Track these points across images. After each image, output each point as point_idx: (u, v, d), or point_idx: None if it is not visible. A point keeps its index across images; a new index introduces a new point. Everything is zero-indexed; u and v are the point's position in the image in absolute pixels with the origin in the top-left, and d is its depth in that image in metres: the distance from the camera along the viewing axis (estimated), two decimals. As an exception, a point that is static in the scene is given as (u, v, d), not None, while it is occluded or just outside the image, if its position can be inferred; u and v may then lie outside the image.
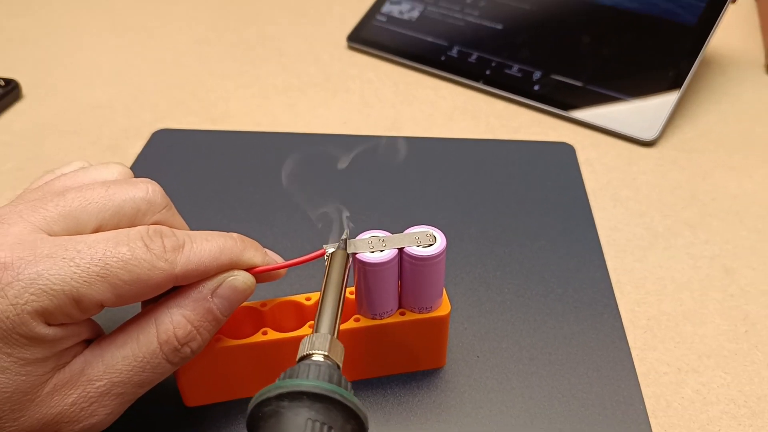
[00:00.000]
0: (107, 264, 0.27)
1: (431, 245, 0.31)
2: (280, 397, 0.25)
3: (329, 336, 0.28)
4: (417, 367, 0.36)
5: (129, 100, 0.57)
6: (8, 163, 0.51)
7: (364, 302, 0.32)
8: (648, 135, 0.52)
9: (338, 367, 0.27)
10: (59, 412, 0.27)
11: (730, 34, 0.65)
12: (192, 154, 0.51)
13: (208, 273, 0.29)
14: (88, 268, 0.26)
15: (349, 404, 0.25)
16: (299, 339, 0.32)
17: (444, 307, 0.33)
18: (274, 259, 0.32)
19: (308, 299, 0.33)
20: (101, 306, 0.27)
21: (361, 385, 0.35)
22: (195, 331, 0.29)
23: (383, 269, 0.31)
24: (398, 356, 0.35)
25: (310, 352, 0.27)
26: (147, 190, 0.31)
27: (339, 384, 0.25)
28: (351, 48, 0.64)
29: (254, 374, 0.34)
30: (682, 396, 0.35)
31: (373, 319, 0.33)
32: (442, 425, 0.34)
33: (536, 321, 0.39)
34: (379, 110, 0.56)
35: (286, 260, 0.32)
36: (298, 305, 0.33)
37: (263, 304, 0.33)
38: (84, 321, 0.28)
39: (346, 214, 0.36)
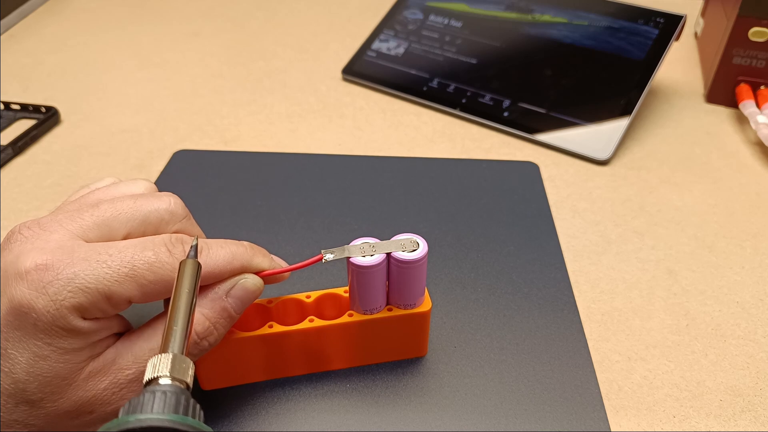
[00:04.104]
0: (135, 266, 0.27)
1: (415, 250, 0.31)
2: None
3: (175, 355, 0.24)
4: (402, 356, 0.36)
5: (153, 125, 0.57)
6: (48, 179, 0.51)
7: (357, 300, 0.32)
8: (602, 155, 0.52)
9: (188, 386, 0.24)
10: (93, 395, 0.27)
11: (673, 68, 0.66)
12: (207, 171, 0.51)
13: (222, 276, 0.30)
14: (119, 269, 0.27)
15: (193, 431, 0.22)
16: (300, 331, 0.32)
17: (426, 304, 0.33)
18: (279, 263, 0.32)
19: (308, 297, 0.33)
20: (129, 302, 0.27)
21: (353, 372, 0.35)
22: (212, 327, 0.29)
23: (373, 271, 0.31)
24: (386, 346, 0.35)
25: (156, 375, 0.23)
26: (170, 202, 0.31)
27: (187, 410, 0.22)
28: (345, 80, 0.64)
29: (262, 362, 0.34)
30: (631, 381, 0.36)
31: (364, 314, 0.33)
32: (425, 406, 0.34)
33: (505, 316, 0.39)
34: (369, 134, 0.56)
35: (290, 265, 0.32)
36: (299, 302, 0.33)
37: (269, 302, 0.33)
38: (114, 316, 0.28)
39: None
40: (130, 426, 0.21)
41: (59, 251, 0.26)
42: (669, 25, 0.57)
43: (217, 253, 0.29)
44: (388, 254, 0.31)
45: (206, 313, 0.29)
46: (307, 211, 0.46)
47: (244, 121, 0.58)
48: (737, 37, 0.56)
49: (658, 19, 0.58)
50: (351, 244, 0.31)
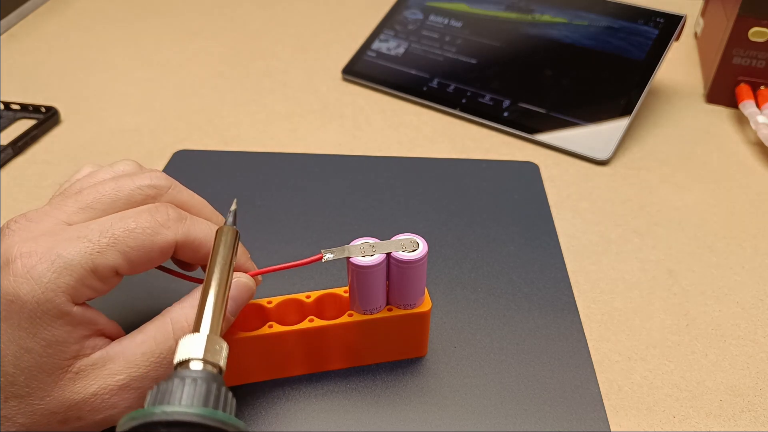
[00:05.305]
0: (114, 234, 0.27)
1: (414, 250, 0.31)
2: (153, 425, 0.21)
3: (208, 336, 0.24)
4: (402, 356, 0.36)
5: (153, 125, 0.57)
6: (48, 179, 0.51)
7: (357, 300, 0.32)
8: (602, 155, 0.52)
9: (220, 370, 0.23)
10: (82, 399, 0.27)
11: (673, 68, 0.65)
12: (207, 171, 0.51)
13: (200, 249, 0.30)
14: (99, 240, 0.27)
15: (222, 427, 0.21)
16: (300, 331, 0.32)
17: (426, 304, 0.33)
18: (252, 267, 0.32)
19: (308, 297, 0.33)
20: (116, 273, 0.27)
21: (353, 372, 0.35)
22: None
23: (373, 271, 0.31)
24: (386, 346, 0.35)
25: (187, 357, 0.23)
26: (150, 177, 0.31)
27: (218, 400, 0.22)
28: (345, 80, 0.64)
29: (262, 362, 0.34)
30: (631, 381, 0.36)
31: (364, 314, 0.33)
32: (425, 406, 0.34)
33: (505, 316, 0.39)
34: (370, 134, 0.56)
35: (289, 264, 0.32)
36: (299, 302, 0.33)
37: (269, 302, 0.33)
38: (106, 321, 0.28)
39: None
40: (156, 419, 0.20)
41: (43, 238, 0.27)
42: (669, 25, 0.57)
43: (200, 225, 0.30)
44: (388, 254, 0.31)
45: None
46: (307, 211, 0.46)
47: (244, 121, 0.58)
48: (737, 37, 0.56)
49: (658, 19, 0.58)
50: (351, 244, 0.31)
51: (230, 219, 0.29)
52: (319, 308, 0.34)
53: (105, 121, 0.58)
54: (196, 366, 0.23)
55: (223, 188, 0.49)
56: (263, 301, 0.33)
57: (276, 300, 0.33)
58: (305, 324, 0.32)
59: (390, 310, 0.33)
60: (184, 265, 0.33)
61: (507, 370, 0.35)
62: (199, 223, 0.30)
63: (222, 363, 0.23)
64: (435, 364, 0.36)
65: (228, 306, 0.29)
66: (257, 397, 0.34)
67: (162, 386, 0.22)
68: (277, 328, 0.32)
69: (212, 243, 0.29)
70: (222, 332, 0.28)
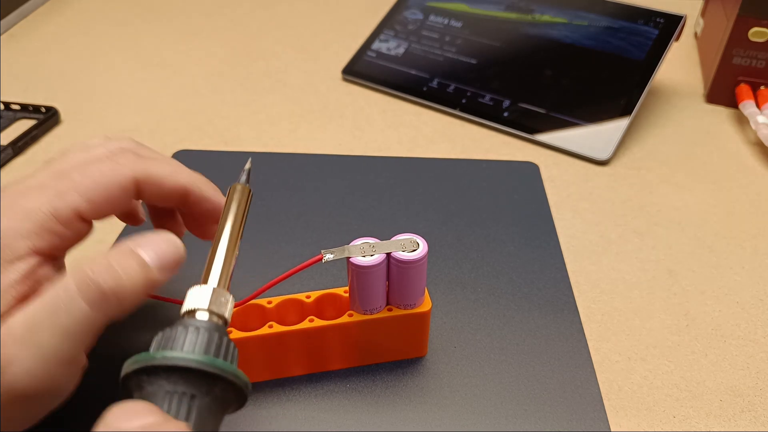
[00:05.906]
0: (72, 177, 0.28)
1: (415, 250, 0.31)
2: (152, 369, 0.21)
3: (214, 289, 0.24)
4: (402, 356, 0.36)
5: (154, 125, 0.57)
6: (47, 179, 0.51)
7: (357, 300, 0.32)
8: (602, 155, 0.52)
9: (225, 321, 0.24)
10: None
11: (673, 68, 0.65)
12: (207, 171, 0.50)
13: (164, 185, 0.30)
14: (56, 185, 0.27)
15: (220, 374, 0.22)
16: (300, 331, 0.32)
17: (426, 304, 0.33)
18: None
19: (308, 297, 0.33)
20: (79, 215, 0.28)
21: (353, 372, 0.35)
22: (116, 269, 0.25)
23: (373, 271, 0.31)
24: (386, 346, 0.35)
25: (193, 308, 0.23)
26: (120, 141, 0.32)
27: (219, 349, 0.22)
28: (345, 80, 0.64)
29: (262, 362, 0.34)
30: (631, 381, 0.36)
31: (364, 314, 0.33)
32: (424, 406, 0.34)
33: (505, 316, 0.39)
34: (369, 134, 0.56)
35: (288, 266, 0.32)
36: (299, 302, 0.33)
37: (269, 302, 0.33)
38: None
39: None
40: (156, 363, 0.21)
41: (8, 197, 0.28)
42: (669, 25, 0.57)
43: (161, 164, 0.30)
44: (388, 254, 0.31)
45: (108, 254, 0.26)
46: (307, 211, 0.46)
47: (244, 121, 0.58)
48: (737, 37, 0.56)
49: (658, 20, 0.58)
50: (351, 244, 0.31)
51: (243, 177, 0.30)
52: (319, 308, 0.34)
53: (105, 121, 0.58)
54: (202, 316, 0.24)
55: (223, 188, 0.48)
56: (263, 302, 0.33)
57: (276, 300, 0.33)
58: (305, 324, 0.32)
59: (390, 310, 0.33)
60: (159, 212, 0.34)
61: (507, 370, 0.35)
62: (161, 162, 0.30)
63: (227, 315, 0.24)
64: (435, 364, 0.36)
65: (147, 254, 0.26)
66: (257, 397, 0.34)
67: (166, 333, 0.22)
68: (277, 328, 0.32)
69: (176, 179, 0.30)
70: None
